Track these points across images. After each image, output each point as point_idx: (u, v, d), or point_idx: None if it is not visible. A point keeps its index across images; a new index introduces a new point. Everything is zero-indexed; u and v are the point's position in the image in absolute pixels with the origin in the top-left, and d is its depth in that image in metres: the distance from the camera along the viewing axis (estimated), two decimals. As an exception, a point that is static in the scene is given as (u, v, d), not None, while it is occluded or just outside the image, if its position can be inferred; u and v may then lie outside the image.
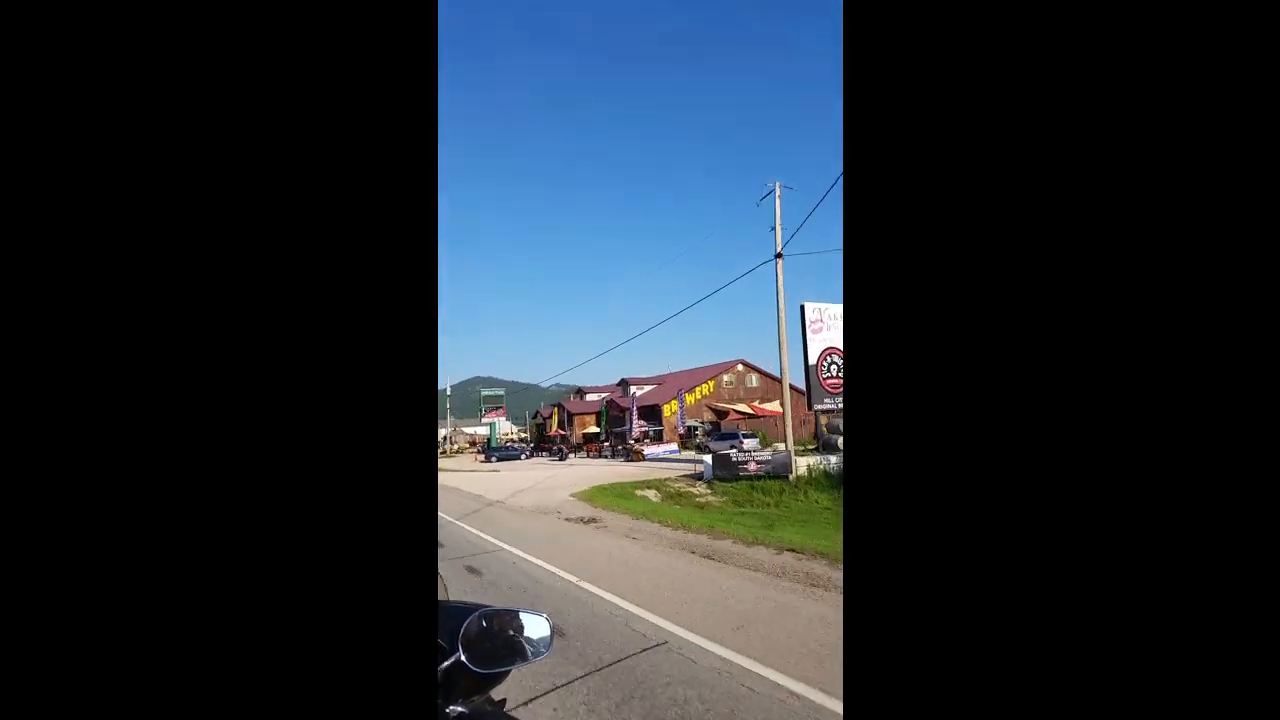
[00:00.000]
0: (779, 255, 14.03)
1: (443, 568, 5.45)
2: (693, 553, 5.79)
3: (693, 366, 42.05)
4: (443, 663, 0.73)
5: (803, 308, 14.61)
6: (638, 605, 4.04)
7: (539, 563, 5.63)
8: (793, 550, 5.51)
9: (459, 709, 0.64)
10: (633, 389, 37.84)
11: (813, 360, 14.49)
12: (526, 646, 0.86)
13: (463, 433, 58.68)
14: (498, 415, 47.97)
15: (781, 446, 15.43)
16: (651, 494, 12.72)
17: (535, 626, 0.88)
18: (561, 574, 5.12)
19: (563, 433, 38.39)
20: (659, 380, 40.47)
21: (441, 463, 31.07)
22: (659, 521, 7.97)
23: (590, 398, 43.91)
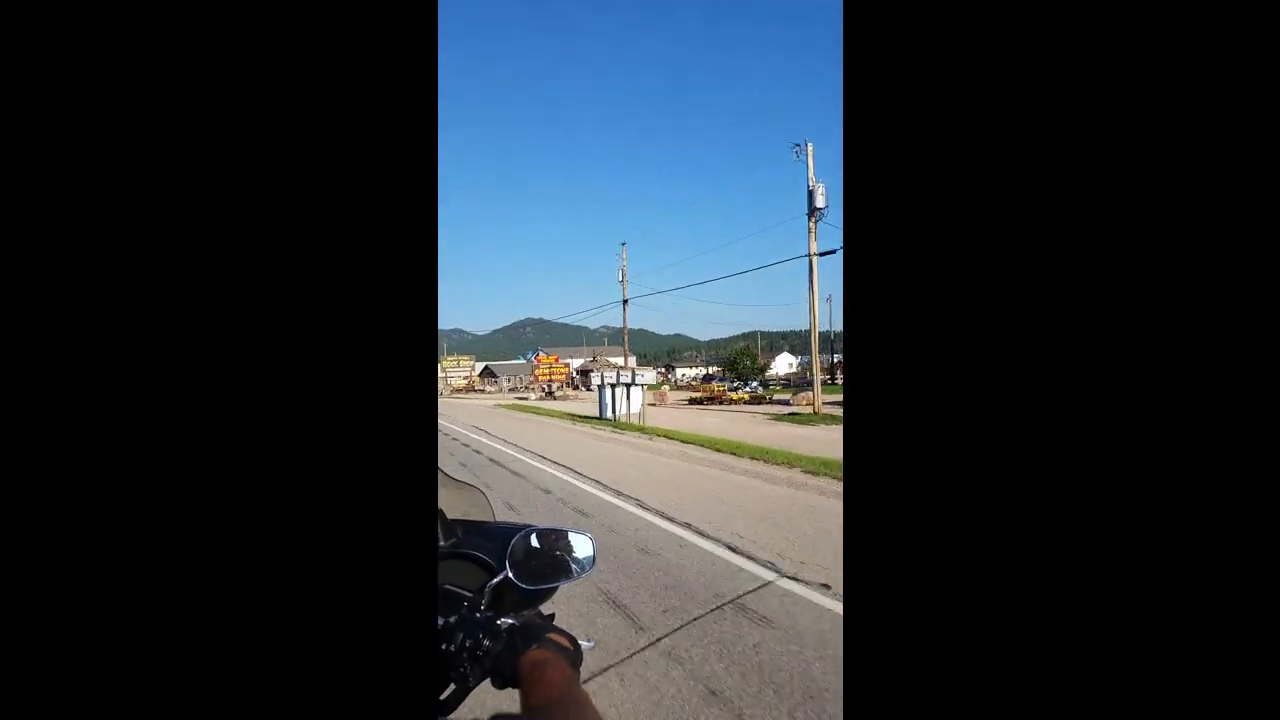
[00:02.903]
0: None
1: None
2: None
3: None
4: (492, 579, 0.78)
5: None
6: None
7: None
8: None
9: (509, 621, 0.68)
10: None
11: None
12: (571, 565, 0.88)
13: (605, 367, 46.86)
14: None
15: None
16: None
17: (580, 546, 0.90)
18: None
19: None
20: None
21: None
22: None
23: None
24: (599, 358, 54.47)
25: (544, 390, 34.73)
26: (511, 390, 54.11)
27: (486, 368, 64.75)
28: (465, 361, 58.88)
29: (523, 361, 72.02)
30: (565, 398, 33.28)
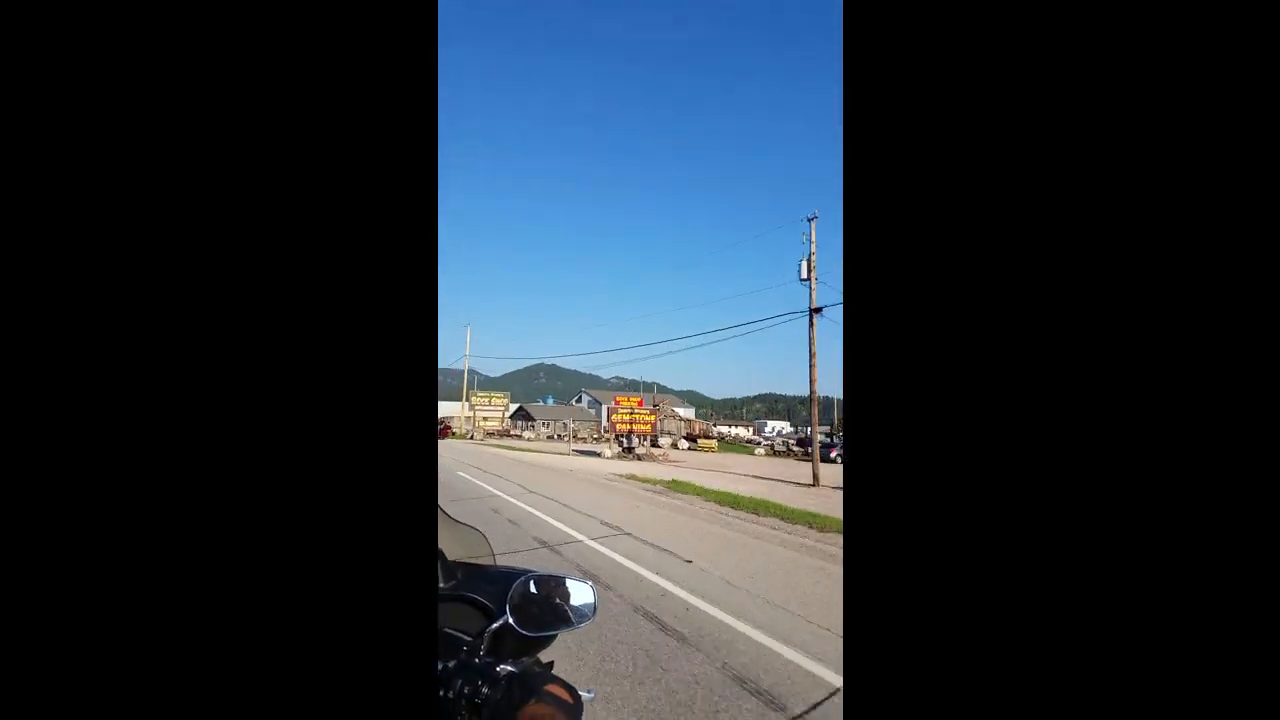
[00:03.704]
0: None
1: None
2: None
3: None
4: (491, 624, 0.76)
5: None
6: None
7: None
8: None
9: (509, 668, 0.66)
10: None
11: None
12: (571, 613, 0.87)
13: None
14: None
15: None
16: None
17: (580, 594, 0.89)
18: None
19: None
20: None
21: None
22: None
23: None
24: (660, 405, 44.52)
25: (622, 445, 24.71)
26: (552, 438, 44.13)
27: (521, 409, 54.58)
28: (498, 400, 48.45)
29: (558, 404, 62.16)
30: (650, 457, 23.14)
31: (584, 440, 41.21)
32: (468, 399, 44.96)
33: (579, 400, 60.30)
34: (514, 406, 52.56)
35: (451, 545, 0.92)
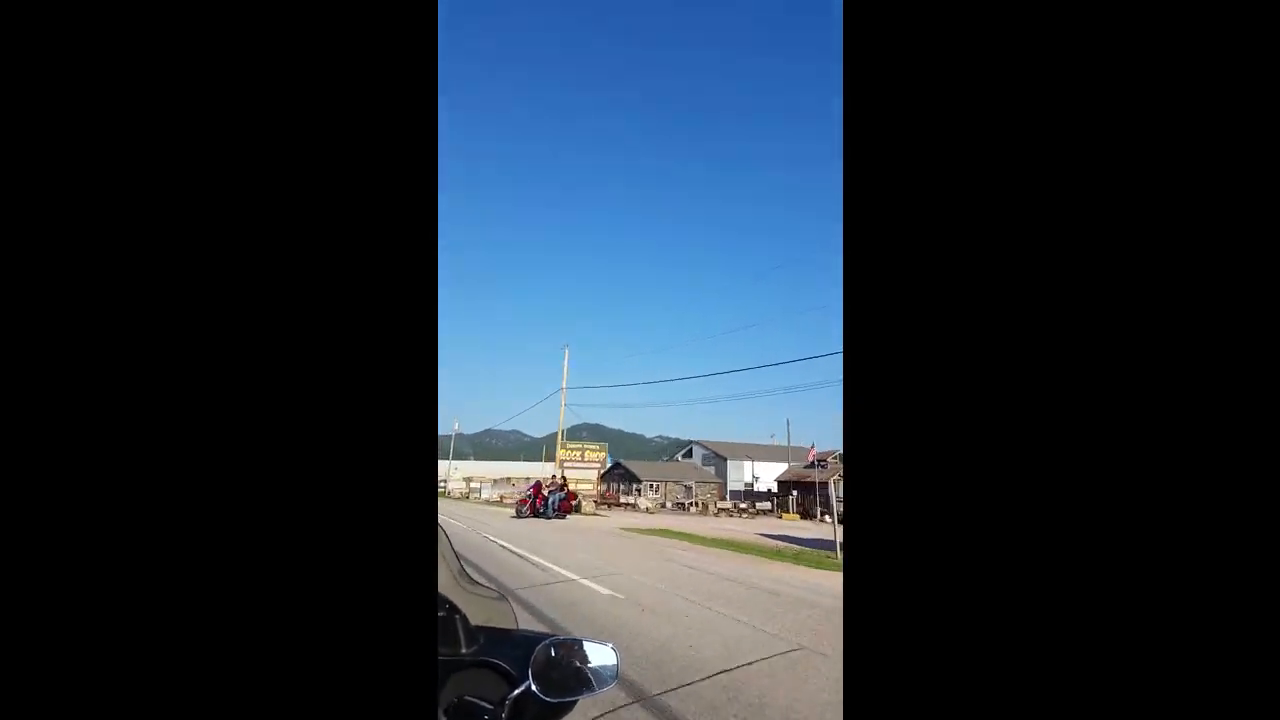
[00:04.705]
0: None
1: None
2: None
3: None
4: (513, 691, 0.76)
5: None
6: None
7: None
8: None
9: None
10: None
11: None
12: (592, 677, 0.87)
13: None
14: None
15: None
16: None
17: (601, 655, 0.89)
18: None
19: None
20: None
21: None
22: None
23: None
24: (820, 461, 32.29)
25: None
26: (665, 506, 32.33)
27: (618, 465, 43.08)
28: (594, 453, 37.45)
29: (664, 460, 50.40)
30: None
31: (728, 512, 29.14)
32: (559, 455, 33.89)
33: (688, 455, 48.46)
34: (610, 462, 41.11)
35: (474, 610, 0.91)
